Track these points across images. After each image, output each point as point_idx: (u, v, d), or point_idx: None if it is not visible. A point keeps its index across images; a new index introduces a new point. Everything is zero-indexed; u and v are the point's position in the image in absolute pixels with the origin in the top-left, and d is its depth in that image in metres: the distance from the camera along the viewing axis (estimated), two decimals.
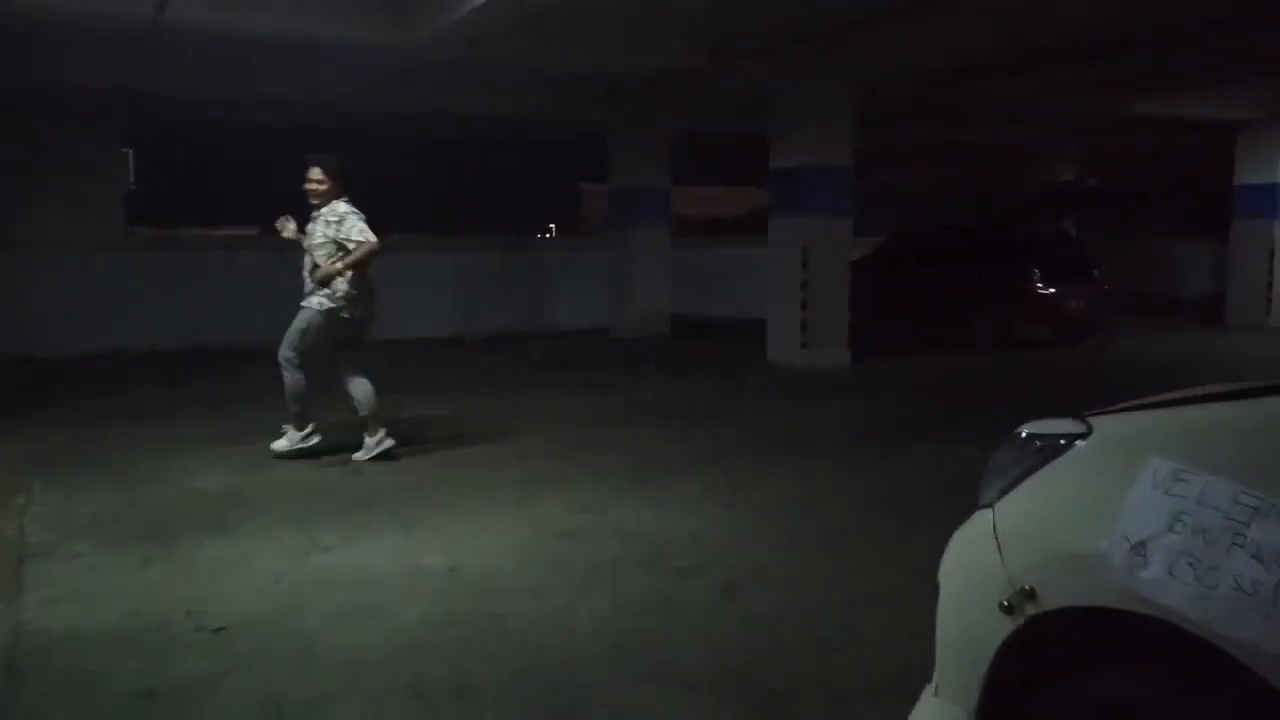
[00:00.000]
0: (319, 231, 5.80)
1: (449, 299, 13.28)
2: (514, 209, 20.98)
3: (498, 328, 13.34)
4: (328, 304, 5.79)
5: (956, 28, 8.43)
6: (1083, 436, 1.81)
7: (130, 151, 13.73)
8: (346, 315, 5.86)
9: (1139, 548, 1.57)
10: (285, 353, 5.87)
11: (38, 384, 9.16)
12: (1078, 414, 1.88)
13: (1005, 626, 1.76)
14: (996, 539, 1.84)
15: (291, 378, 5.90)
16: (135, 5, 7.32)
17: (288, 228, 5.98)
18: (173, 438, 6.60)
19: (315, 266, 5.78)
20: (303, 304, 5.88)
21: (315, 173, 5.84)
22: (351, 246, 5.70)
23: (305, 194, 5.89)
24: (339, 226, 5.74)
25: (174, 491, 5.39)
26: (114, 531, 4.63)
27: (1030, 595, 1.72)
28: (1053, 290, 11.30)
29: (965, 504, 2.07)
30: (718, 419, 7.60)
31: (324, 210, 5.83)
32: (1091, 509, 1.71)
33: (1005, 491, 1.89)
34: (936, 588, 2.03)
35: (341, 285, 5.75)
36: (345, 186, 5.93)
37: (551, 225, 22.47)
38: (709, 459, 6.21)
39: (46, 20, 7.61)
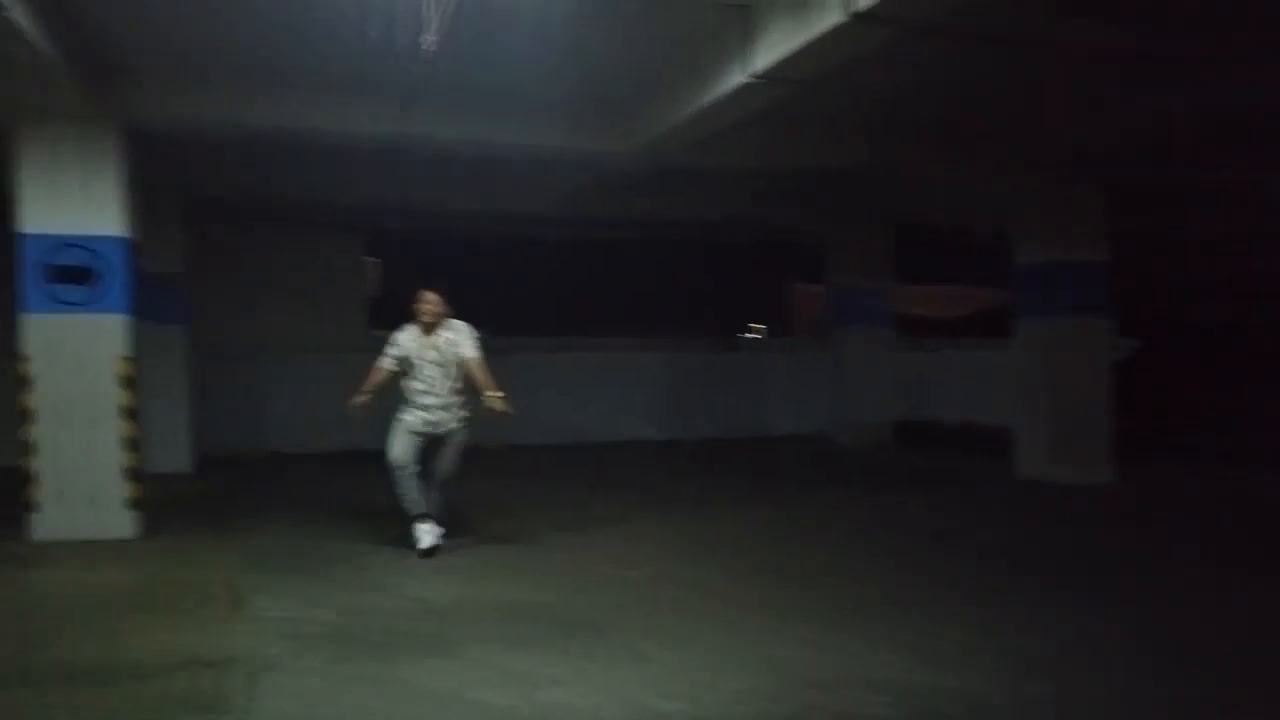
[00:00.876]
0: (451, 349, 6.24)
1: (661, 401, 13.07)
2: (725, 309, 20.83)
3: (712, 431, 12.95)
4: (466, 417, 6.36)
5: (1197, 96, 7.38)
6: None
7: (377, 260, 14.63)
8: None
9: None
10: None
11: (278, 483, 9.57)
12: None
13: None
14: None
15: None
16: (385, 121, 7.71)
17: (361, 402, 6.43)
18: (401, 542, 6.56)
19: (456, 380, 6.27)
20: (447, 427, 6.33)
21: (434, 296, 6.26)
22: (468, 358, 6.20)
23: (419, 314, 6.27)
24: (462, 341, 6.25)
25: (399, 602, 5.26)
26: (342, 646, 4.47)
27: None
28: None
29: None
30: (968, 543, 6.78)
31: (441, 329, 6.27)
32: None
33: None
34: None
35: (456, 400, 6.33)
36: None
37: (762, 325, 22.11)
38: (967, 593, 5.44)
39: (318, 139, 8.09)
